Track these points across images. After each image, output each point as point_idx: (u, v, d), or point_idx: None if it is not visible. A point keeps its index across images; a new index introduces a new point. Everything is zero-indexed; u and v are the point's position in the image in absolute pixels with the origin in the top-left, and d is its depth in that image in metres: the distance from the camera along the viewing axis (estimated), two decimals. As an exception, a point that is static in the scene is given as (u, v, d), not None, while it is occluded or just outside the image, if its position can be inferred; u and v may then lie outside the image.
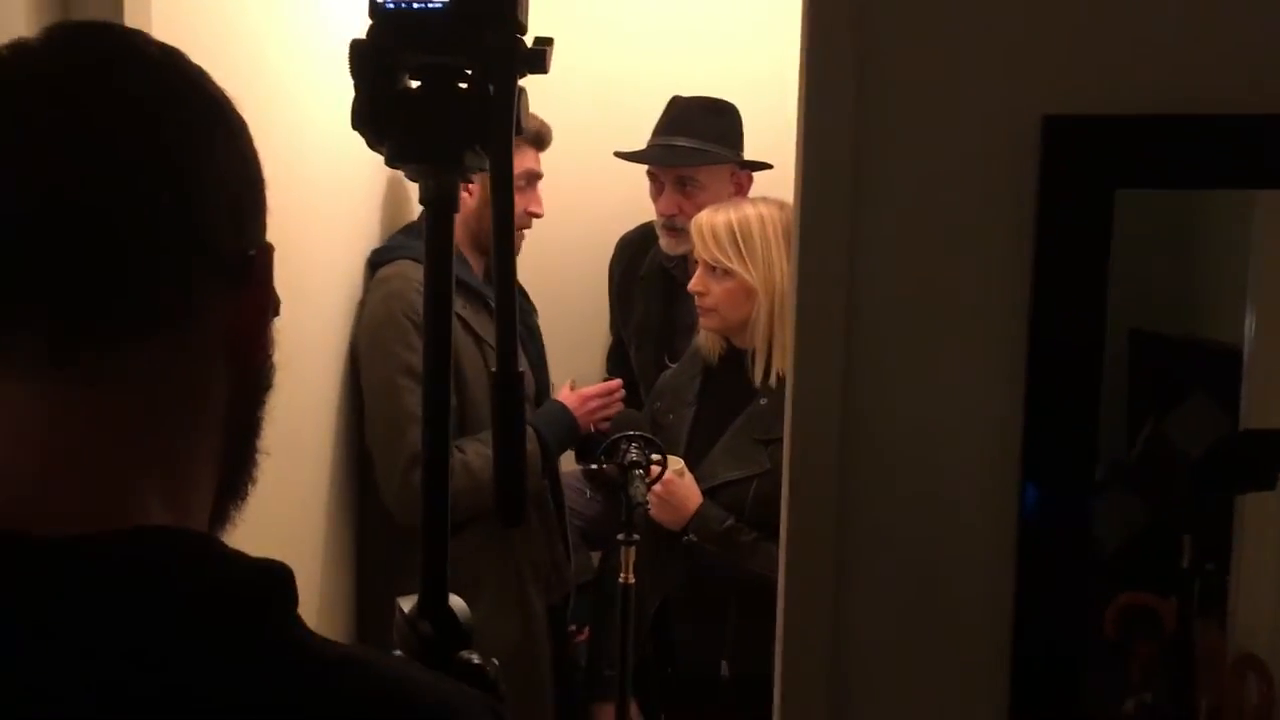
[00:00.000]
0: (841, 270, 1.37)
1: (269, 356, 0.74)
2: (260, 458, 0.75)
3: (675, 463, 2.30)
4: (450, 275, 1.24)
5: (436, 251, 1.24)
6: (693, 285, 2.39)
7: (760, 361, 2.34)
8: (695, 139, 2.64)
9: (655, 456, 2.18)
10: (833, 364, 1.39)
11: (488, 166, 1.15)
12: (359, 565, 2.50)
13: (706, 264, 2.35)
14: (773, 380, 2.31)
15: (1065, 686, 1.45)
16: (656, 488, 2.25)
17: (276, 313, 0.74)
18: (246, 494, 0.74)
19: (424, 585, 1.24)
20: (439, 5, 1.15)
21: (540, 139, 2.53)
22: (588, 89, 3.02)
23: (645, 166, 2.74)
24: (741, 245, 2.31)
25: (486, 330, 2.39)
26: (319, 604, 2.32)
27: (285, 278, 0.74)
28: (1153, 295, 1.56)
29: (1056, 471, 1.39)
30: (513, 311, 1.16)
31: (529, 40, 1.18)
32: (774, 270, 2.30)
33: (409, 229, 2.52)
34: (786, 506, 1.44)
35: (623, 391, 2.59)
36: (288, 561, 0.65)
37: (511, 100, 1.15)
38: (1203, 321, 1.58)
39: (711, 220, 2.35)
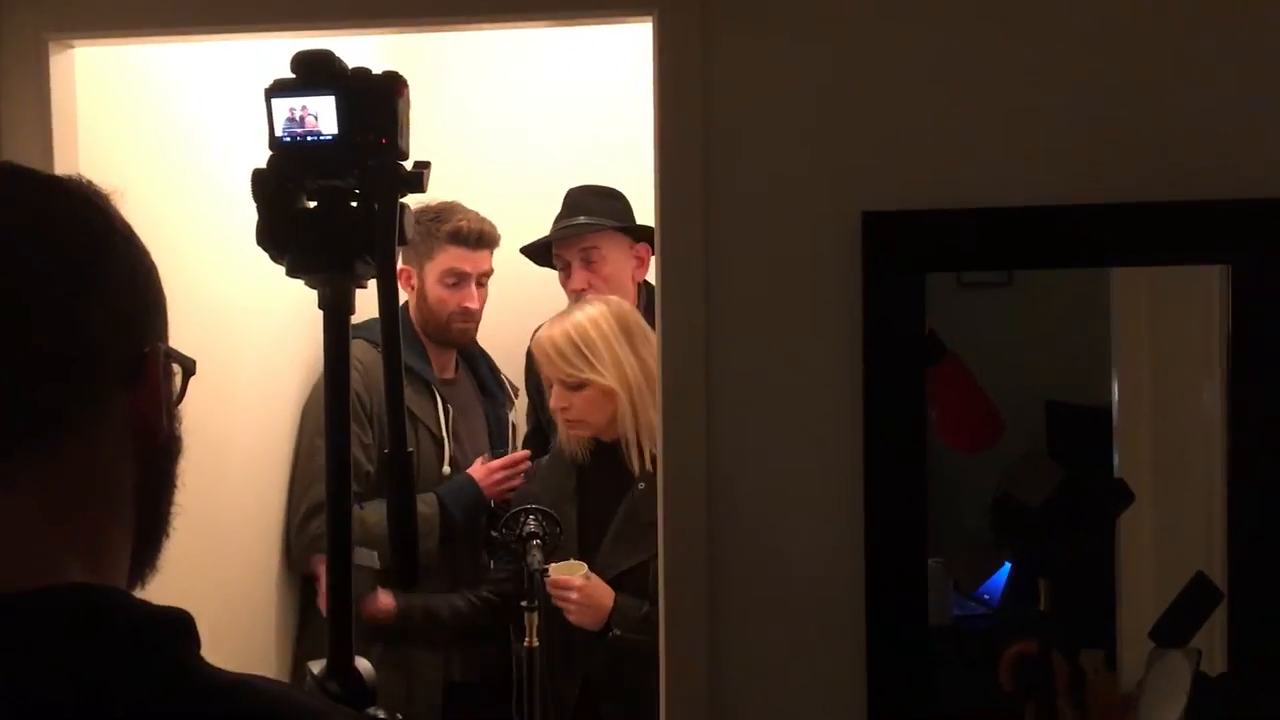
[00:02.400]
0: (699, 351, 1.56)
1: (171, 434, 0.85)
2: (174, 518, 0.88)
3: (579, 567, 2.35)
4: (348, 371, 1.40)
5: (335, 351, 1.40)
6: (554, 404, 2.45)
7: (634, 450, 2.39)
8: (592, 217, 2.82)
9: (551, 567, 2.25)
10: (697, 435, 1.57)
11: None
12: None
13: (561, 381, 2.41)
14: (648, 464, 2.35)
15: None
16: (573, 595, 2.30)
17: (183, 394, 0.87)
18: (159, 551, 0.87)
19: (331, 649, 1.38)
20: (329, 137, 1.33)
21: (461, 236, 2.67)
22: (493, 194, 3.21)
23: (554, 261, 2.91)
24: (587, 353, 2.38)
25: (424, 410, 2.58)
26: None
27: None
28: (1063, 369, 1.73)
29: (892, 524, 1.56)
30: (401, 400, 1.33)
31: (409, 164, 1.36)
32: (623, 366, 2.39)
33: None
34: (663, 565, 1.60)
35: (529, 464, 2.73)
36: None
37: (393, 215, 1.32)
38: (1107, 389, 1.72)
39: (549, 337, 2.42)
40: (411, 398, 2.56)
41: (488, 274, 2.77)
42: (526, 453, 2.75)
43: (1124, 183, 1.52)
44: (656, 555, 2.28)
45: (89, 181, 0.84)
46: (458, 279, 2.68)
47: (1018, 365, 1.75)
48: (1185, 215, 1.50)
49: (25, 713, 0.70)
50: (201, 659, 0.78)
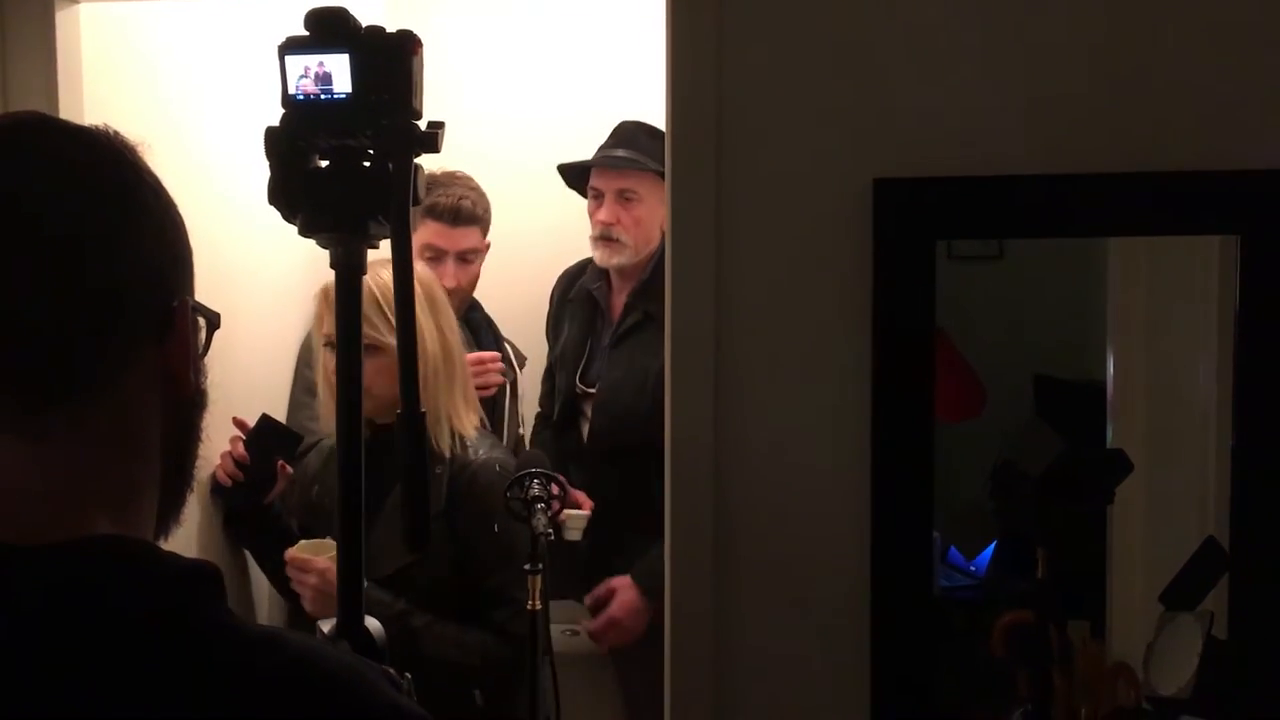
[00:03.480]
0: (709, 315, 1.56)
1: (198, 386, 0.86)
2: (197, 471, 0.88)
3: (328, 547, 2.01)
4: (359, 331, 1.40)
5: (347, 311, 1.39)
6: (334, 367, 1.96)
7: (443, 429, 2.12)
8: (636, 153, 2.72)
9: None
10: (706, 398, 1.58)
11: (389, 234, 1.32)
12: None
13: None
14: (453, 445, 2.13)
15: (920, 690, 1.61)
16: (311, 579, 2.01)
17: (207, 347, 0.87)
18: (184, 503, 0.87)
19: (342, 608, 1.38)
20: (343, 95, 1.32)
21: (437, 212, 2.63)
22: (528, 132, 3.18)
23: (585, 200, 2.86)
24: (389, 314, 2.01)
25: None
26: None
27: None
28: (1056, 342, 1.75)
29: (900, 490, 1.57)
30: (414, 361, 1.32)
31: (423, 124, 1.35)
32: (424, 334, 2.07)
33: None
34: (670, 531, 1.61)
35: (500, 364, 2.67)
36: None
37: (408, 176, 1.31)
38: (1098, 363, 1.74)
39: None
40: None
41: (471, 251, 2.72)
42: (495, 354, 2.71)
43: (1140, 152, 1.52)
44: (432, 555, 1.97)
45: (116, 133, 0.83)
46: (434, 254, 2.65)
47: (1009, 338, 1.76)
48: (1201, 184, 1.50)
49: (58, 663, 0.71)
50: (230, 611, 0.78)
